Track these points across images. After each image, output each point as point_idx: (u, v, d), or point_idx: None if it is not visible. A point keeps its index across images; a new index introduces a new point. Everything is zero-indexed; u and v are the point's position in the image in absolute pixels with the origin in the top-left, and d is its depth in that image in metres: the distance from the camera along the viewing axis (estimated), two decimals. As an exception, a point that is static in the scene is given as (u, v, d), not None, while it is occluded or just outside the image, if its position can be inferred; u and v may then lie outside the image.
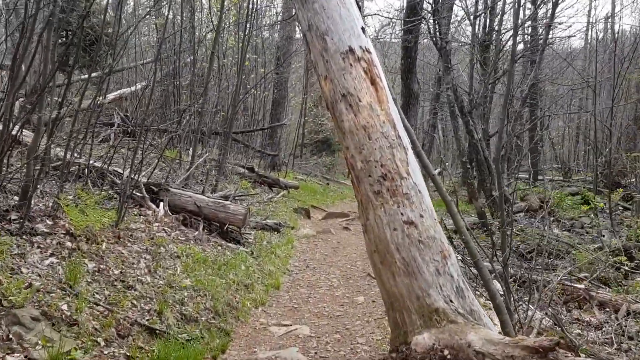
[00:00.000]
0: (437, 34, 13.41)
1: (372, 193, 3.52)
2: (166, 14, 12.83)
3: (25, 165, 5.02)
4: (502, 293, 4.10)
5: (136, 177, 7.72)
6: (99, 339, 3.74)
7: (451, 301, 3.23)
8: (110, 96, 14.14)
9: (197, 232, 7.29)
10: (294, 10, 20.21)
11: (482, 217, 12.83)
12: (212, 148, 14.14)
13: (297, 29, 21.90)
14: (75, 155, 7.20)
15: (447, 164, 32.06)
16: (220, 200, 7.88)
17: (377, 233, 3.48)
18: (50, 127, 5.47)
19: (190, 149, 10.07)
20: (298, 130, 22.56)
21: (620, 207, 19.07)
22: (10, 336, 3.00)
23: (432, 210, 3.55)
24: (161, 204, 7.49)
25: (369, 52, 3.85)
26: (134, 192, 7.40)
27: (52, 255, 4.54)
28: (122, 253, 5.43)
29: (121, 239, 5.77)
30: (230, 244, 7.60)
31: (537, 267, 7.48)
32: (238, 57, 11.95)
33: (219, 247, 7.26)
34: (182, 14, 13.93)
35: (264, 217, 10.48)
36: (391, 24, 21.54)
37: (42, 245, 4.63)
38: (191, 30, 14.28)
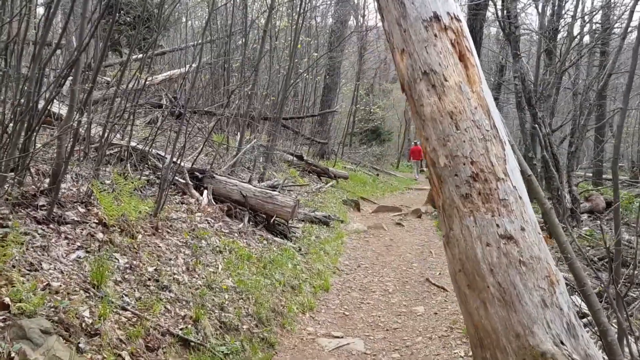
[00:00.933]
0: (506, 17, 12.37)
1: (458, 197, 2.79)
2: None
3: (54, 141, 4.54)
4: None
5: (179, 162, 7.24)
6: (123, 353, 3.20)
7: (562, 343, 2.48)
8: (160, 77, 13.83)
9: (241, 224, 6.73)
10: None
11: (547, 218, 11.75)
12: (261, 133, 13.63)
13: (351, 13, 21.10)
14: (117, 136, 6.76)
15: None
16: (267, 190, 7.29)
17: (464, 248, 2.75)
18: (84, 100, 4.97)
19: (238, 134, 9.53)
20: (349, 118, 21.80)
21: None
22: (13, 355, 2.47)
23: (536, 223, 2.79)
24: (205, 191, 6.97)
25: (458, 20, 3.09)
26: (176, 178, 6.91)
27: (79, 248, 4.04)
28: (158, 247, 4.90)
29: (159, 231, 5.26)
30: (276, 238, 7.01)
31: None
32: (291, 38, 11.29)
33: (265, 242, 6.67)
34: (235, -7, 13.39)
35: (313, 209, 9.87)
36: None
37: (70, 236, 4.13)
38: (244, 9, 13.74)
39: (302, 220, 8.98)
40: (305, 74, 14.31)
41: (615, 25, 15.58)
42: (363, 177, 18.80)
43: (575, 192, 12.50)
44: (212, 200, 6.89)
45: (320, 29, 19.01)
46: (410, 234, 10.13)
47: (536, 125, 12.19)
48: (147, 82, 10.54)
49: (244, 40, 12.71)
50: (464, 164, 2.79)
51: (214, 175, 7.36)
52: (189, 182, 6.94)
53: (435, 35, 3.00)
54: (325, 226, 9.24)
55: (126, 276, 4.04)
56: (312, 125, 18.80)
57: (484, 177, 2.76)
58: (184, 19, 16.26)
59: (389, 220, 11.56)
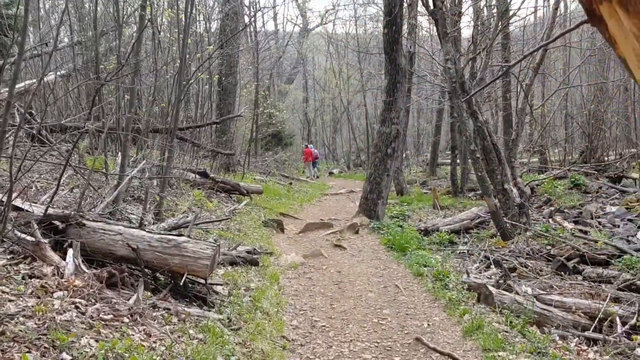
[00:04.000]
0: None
1: None
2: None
3: None
4: None
5: (24, 206, 4.65)
6: None
7: None
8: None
9: (133, 297, 4.28)
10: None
11: (497, 218, 10.34)
12: (151, 150, 10.97)
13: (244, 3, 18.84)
14: None
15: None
16: (171, 236, 4.86)
17: None
18: None
19: (119, 154, 6.95)
20: (253, 123, 19.45)
21: (612, 189, 17.26)
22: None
23: None
24: (69, 251, 4.42)
25: None
26: (17, 234, 4.32)
27: None
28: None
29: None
30: (192, 309, 4.61)
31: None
32: (178, 30, 8.81)
33: (174, 322, 4.26)
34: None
35: (232, 244, 7.53)
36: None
37: None
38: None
39: (221, 263, 6.63)
40: (199, 74, 11.85)
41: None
42: (276, 189, 16.60)
43: (521, 185, 11.22)
44: (82, 264, 4.35)
45: (212, 21, 16.54)
46: (358, 258, 8.11)
47: (472, 115, 10.76)
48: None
49: (117, 35, 9.96)
50: None
51: (84, 221, 4.81)
52: (41, 239, 4.35)
53: None
54: (252, 266, 6.95)
55: None
56: (211, 135, 16.27)
57: None
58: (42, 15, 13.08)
59: (325, 242, 9.48)
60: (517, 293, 5.56)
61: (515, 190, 10.93)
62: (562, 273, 8.09)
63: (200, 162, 13.81)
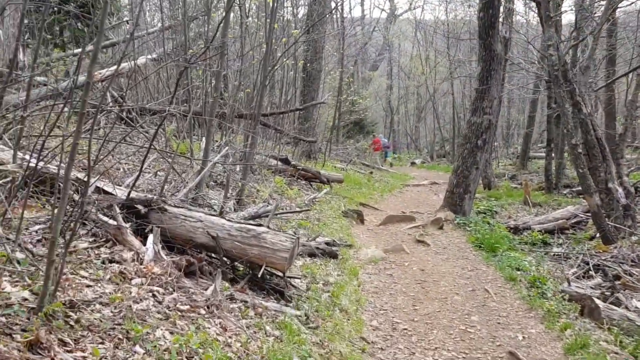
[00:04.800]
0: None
1: None
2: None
3: None
4: None
5: (111, 189, 4.66)
6: None
7: None
8: (106, 72, 11.15)
9: (211, 288, 4.15)
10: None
11: (598, 219, 9.42)
12: (236, 135, 11.02)
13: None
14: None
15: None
16: (250, 226, 4.70)
17: None
18: None
19: (204, 139, 6.92)
20: (336, 111, 19.20)
21: None
22: None
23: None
24: (150, 237, 4.37)
25: None
26: (100, 217, 4.32)
27: None
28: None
29: (42, 344, 2.68)
30: (269, 303, 4.43)
31: None
32: (265, 13, 8.64)
33: (251, 316, 4.10)
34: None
35: (311, 235, 7.33)
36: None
37: None
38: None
39: (300, 255, 6.44)
40: (285, 59, 11.72)
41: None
42: (357, 178, 16.30)
43: (627, 184, 10.15)
44: (161, 251, 4.29)
45: (299, 7, 16.41)
46: (442, 256, 7.66)
47: (574, 105, 9.82)
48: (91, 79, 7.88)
49: (206, 20, 10.01)
50: None
51: (166, 207, 4.76)
52: (123, 224, 4.32)
53: None
54: (331, 258, 6.72)
55: None
56: (294, 121, 16.21)
57: None
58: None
59: (407, 236, 9.07)
60: (627, 308, 4.91)
61: (620, 189, 9.89)
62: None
63: (283, 148, 13.79)
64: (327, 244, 7.04)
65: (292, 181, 11.50)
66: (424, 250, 8.08)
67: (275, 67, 8.81)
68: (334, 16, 25.35)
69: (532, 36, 19.95)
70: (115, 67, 11.32)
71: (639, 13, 12.96)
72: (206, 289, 4.18)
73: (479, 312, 5.31)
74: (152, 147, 4.57)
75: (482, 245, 8.01)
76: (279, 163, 11.23)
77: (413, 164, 29.64)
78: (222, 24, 6.44)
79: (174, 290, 3.93)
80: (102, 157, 4.54)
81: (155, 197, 4.78)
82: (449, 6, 31.35)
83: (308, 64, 16.21)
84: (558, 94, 9.82)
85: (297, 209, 8.28)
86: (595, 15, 13.53)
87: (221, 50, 6.63)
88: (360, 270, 6.63)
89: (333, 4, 19.08)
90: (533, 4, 18.61)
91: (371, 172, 19.57)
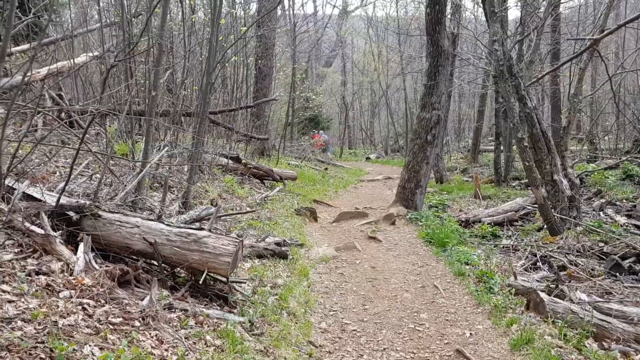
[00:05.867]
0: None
1: None
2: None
3: None
4: None
5: (39, 195, 4.38)
6: None
7: None
8: (44, 71, 10.65)
9: (146, 299, 3.93)
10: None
11: (545, 211, 9.65)
12: (184, 134, 10.72)
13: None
14: None
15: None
16: (191, 230, 4.50)
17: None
18: None
19: (143, 138, 6.62)
20: (289, 107, 19.03)
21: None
22: None
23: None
24: (80, 246, 4.11)
25: None
26: (26, 226, 4.04)
27: None
28: None
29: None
30: (211, 311, 4.25)
31: None
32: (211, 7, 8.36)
33: (191, 325, 3.91)
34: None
35: (261, 235, 7.17)
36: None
37: None
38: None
39: (248, 257, 6.28)
40: (233, 55, 11.45)
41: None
42: (311, 174, 16.20)
43: (572, 176, 10.43)
44: (92, 260, 4.04)
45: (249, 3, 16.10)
46: (394, 253, 7.63)
47: (520, 100, 10.01)
48: (27, 78, 7.42)
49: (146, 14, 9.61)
50: None
51: (100, 212, 4.50)
52: (50, 231, 4.05)
53: None
54: (281, 259, 6.58)
55: None
56: (246, 119, 15.93)
57: None
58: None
59: (359, 233, 9.03)
60: (571, 300, 4.98)
61: (565, 181, 10.16)
62: (617, 273, 7.43)
63: (235, 146, 13.52)
64: (277, 244, 6.90)
65: (244, 180, 11.29)
66: (376, 246, 8.05)
67: (218, 62, 8.55)
68: (285, 12, 25.14)
69: (480, 32, 20.34)
70: (53, 66, 10.82)
71: (579, 8, 13.34)
72: (142, 299, 3.96)
73: (428, 310, 5.29)
74: (82, 148, 4.29)
75: (433, 240, 8.04)
76: (230, 161, 10.99)
77: (368, 159, 29.79)
78: (147, 18, 6.18)
79: (106, 302, 3.71)
80: (29, 160, 4.25)
81: (87, 202, 4.51)
82: (399, 3, 31.60)
83: (259, 61, 15.97)
84: (504, 88, 9.99)
85: (246, 209, 8.08)
86: (540, 11, 13.88)
87: (158, 43, 6.33)
88: (310, 270, 6.51)
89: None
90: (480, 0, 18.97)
91: (326, 168, 19.51)
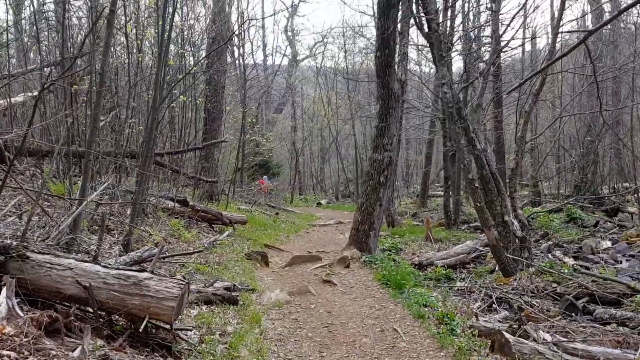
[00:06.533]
0: (424, 13, 10.32)
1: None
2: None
3: None
4: None
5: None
6: None
7: None
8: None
9: (77, 350, 3.46)
10: None
11: (498, 253, 9.67)
12: (127, 175, 10.22)
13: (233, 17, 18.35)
14: None
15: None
16: (130, 272, 4.08)
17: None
18: None
19: (81, 178, 6.15)
20: (239, 151, 18.74)
21: (609, 223, 16.72)
22: None
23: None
24: (3, 291, 3.62)
25: None
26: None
27: None
28: None
29: None
30: (152, 362, 3.80)
31: None
32: (158, 38, 8.07)
33: (129, 379, 3.46)
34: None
35: (209, 280, 6.72)
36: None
37: None
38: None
39: (195, 302, 5.82)
40: (181, 95, 11.16)
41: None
42: (262, 219, 15.80)
43: (522, 217, 10.55)
44: (16, 306, 3.54)
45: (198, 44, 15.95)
46: (350, 296, 7.32)
47: (469, 142, 10.15)
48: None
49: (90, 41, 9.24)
50: None
51: (28, 253, 4.02)
52: (-33, 276, 3.55)
53: None
54: (231, 305, 6.15)
55: None
56: (195, 161, 15.52)
57: None
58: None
59: (313, 277, 8.69)
60: (535, 341, 4.81)
61: (516, 222, 10.25)
62: (572, 313, 7.40)
63: (182, 190, 13.04)
64: (226, 289, 6.47)
65: (191, 223, 10.80)
66: (331, 290, 7.72)
67: (167, 100, 8.25)
68: (236, 60, 25.14)
69: (425, 80, 21.01)
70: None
71: (523, 55, 13.96)
72: (73, 350, 3.48)
73: (389, 355, 4.98)
74: (9, 184, 3.86)
75: (389, 283, 7.81)
76: (177, 205, 10.51)
77: (319, 204, 29.64)
78: (102, 55, 5.87)
79: (30, 354, 3.22)
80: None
81: (13, 242, 4.03)
82: (347, 53, 32.49)
83: (208, 103, 15.73)
84: (453, 130, 10.13)
85: (186, 252, 7.62)
86: (483, 59, 14.44)
87: (100, 71, 5.97)
88: (263, 316, 6.11)
89: (235, 40, 18.86)
90: (425, 50, 19.65)
91: (277, 213, 19.17)
